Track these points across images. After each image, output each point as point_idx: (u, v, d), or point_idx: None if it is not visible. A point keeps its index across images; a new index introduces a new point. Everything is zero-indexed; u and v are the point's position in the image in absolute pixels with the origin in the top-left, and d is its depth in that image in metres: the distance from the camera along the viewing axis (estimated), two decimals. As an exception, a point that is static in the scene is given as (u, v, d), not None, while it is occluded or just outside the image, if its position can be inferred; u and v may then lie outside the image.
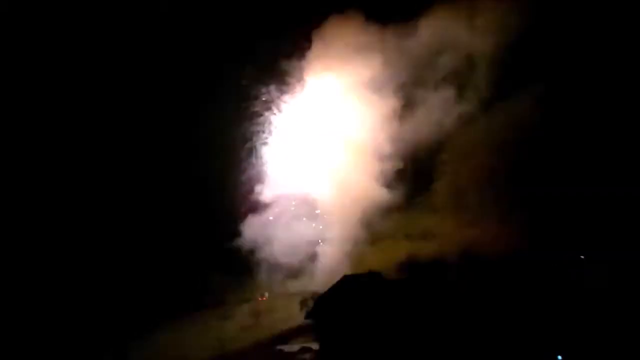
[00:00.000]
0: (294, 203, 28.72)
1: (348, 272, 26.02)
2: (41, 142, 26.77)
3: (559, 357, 21.60)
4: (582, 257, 24.50)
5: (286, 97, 28.22)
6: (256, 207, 27.83)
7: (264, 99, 27.86)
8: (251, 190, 27.89)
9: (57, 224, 25.81)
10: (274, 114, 28.31)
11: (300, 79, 27.92)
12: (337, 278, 25.93)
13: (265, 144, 28.42)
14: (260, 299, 28.48)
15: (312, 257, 28.07)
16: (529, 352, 22.06)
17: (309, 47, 27.18)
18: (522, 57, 25.53)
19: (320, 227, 28.74)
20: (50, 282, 25.12)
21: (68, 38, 26.41)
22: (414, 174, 27.66)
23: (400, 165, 27.36)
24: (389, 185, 27.36)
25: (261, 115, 28.06)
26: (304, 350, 24.52)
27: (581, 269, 24.15)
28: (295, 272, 28.05)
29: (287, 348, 24.84)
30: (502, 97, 26.23)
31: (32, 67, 26.81)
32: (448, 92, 26.84)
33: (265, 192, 28.06)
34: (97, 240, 26.12)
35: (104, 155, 27.04)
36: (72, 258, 25.58)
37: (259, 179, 28.15)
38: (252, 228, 27.64)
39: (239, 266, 27.72)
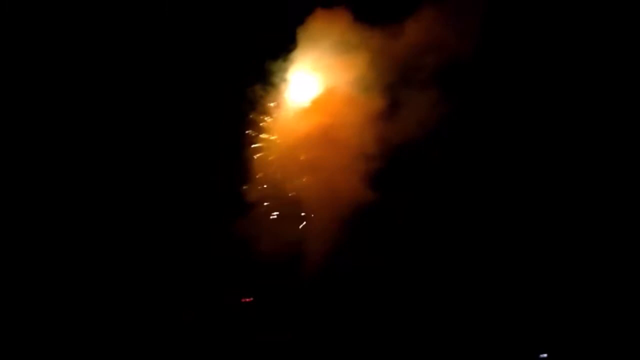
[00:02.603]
0: (277, 203, 28.56)
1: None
2: (41, 142, 26.12)
3: (544, 356, 22.33)
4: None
5: (270, 97, 27.83)
6: (241, 207, 27.58)
7: (247, 98, 27.38)
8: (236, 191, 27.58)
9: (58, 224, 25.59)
10: (258, 114, 27.90)
11: (284, 79, 27.53)
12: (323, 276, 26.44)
13: (249, 144, 28.04)
14: (243, 300, 28.35)
15: (298, 256, 28.11)
16: (512, 350, 22.81)
17: (293, 45, 26.74)
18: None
19: (305, 224, 28.69)
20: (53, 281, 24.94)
21: (68, 38, 25.64)
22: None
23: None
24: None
25: (245, 115, 27.61)
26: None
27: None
28: (280, 271, 28.05)
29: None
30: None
31: (31, 66, 25.95)
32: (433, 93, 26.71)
33: (250, 192, 27.84)
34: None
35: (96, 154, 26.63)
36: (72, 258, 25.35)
37: (243, 179, 27.82)
38: (238, 228, 27.44)
39: (225, 267, 27.59)
